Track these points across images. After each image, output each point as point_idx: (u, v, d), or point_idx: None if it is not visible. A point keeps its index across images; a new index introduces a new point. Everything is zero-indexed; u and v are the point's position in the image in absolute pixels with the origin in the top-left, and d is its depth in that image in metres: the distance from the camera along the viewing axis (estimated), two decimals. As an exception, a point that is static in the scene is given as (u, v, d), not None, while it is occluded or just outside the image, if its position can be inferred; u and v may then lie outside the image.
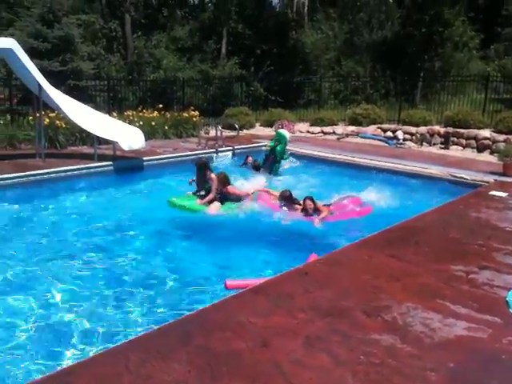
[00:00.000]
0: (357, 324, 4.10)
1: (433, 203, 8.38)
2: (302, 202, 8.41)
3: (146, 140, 11.52)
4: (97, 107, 12.35)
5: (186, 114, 15.76)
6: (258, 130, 17.67)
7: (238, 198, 8.86)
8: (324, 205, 8.48)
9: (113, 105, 15.63)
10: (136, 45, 21.48)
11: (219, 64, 22.58)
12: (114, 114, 13.53)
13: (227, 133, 14.83)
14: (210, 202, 8.72)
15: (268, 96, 21.98)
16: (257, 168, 11.69)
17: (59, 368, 3.82)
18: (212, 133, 14.74)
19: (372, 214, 8.39)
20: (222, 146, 13.57)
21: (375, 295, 4.63)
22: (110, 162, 11.19)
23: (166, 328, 4.18)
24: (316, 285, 4.84)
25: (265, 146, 13.90)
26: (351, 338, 3.89)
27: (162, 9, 25.67)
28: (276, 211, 8.35)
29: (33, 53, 12.06)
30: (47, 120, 12.03)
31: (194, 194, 9.05)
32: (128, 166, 11.35)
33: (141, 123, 13.75)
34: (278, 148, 11.67)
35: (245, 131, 16.65)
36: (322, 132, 17.16)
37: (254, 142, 14.82)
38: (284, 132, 12.26)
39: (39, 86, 10.54)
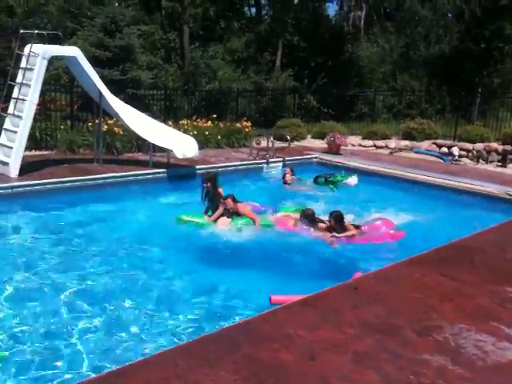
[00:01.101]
0: (407, 343, 4.03)
1: (488, 223, 8.11)
2: (327, 220, 7.89)
3: (199, 149, 11.71)
4: (153, 116, 12.64)
5: (238, 125, 15.94)
6: (309, 141, 17.64)
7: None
8: (353, 225, 7.96)
9: (168, 114, 15.96)
10: (193, 55, 21.91)
11: (273, 76, 22.72)
12: (170, 123, 13.82)
13: (278, 144, 14.87)
14: (220, 216, 8.40)
15: (320, 108, 21.93)
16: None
17: (109, 370, 3.92)
18: (263, 143, 14.81)
19: (419, 232, 8.05)
20: (272, 157, 13.62)
21: (427, 314, 4.53)
22: (164, 170, 11.44)
23: (213, 336, 4.23)
24: (365, 300, 4.78)
25: (315, 158, 13.94)
26: (401, 356, 3.82)
27: (220, 21, 26.11)
28: (296, 232, 7.87)
29: (95, 61, 12.46)
30: (106, 127, 12.42)
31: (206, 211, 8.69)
32: (181, 174, 11.57)
33: (195, 132, 13.99)
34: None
35: (296, 143, 16.67)
36: (375, 146, 16.97)
37: (305, 154, 14.80)
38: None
39: (100, 93, 10.91)
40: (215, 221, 8.35)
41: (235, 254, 7.26)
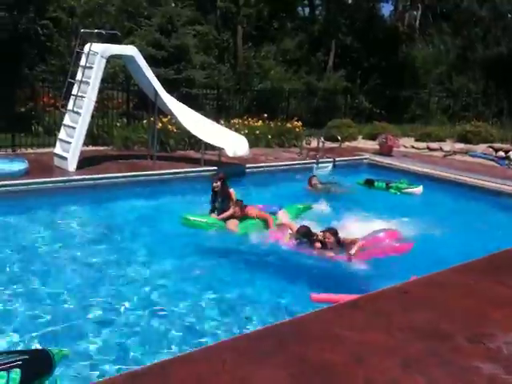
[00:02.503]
0: (458, 349, 3.95)
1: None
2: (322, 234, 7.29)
3: (249, 148, 11.81)
4: (206, 114, 12.84)
5: (289, 125, 15.97)
6: (360, 142, 17.47)
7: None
8: (352, 239, 7.32)
9: (220, 113, 16.15)
10: (246, 55, 22.09)
11: (325, 76, 22.61)
12: (222, 122, 14.00)
13: (329, 144, 14.80)
14: (228, 218, 8.21)
15: (373, 109, 21.67)
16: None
17: (156, 361, 4.02)
18: (313, 143, 14.78)
19: (471, 238, 7.64)
20: (322, 157, 13.58)
21: (479, 321, 4.43)
22: (215, 167, 11.59)
23: (262, 332, 4.27)
24: (415, 305, 4.72)
25: (366, 159, 13.79)
26: (451, 363, 3.75)
27: (273, 21, 26.20)
28: (290, 248, 7.35)
29: (151, 60, 12.75)
30: (160, 124, 12.70)
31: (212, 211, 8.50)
32: (231, 172, 11.66)
33: (246, 131, 14.11)
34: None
35: (347, 143, 16.54)
36: (428, 148, 16.62)
37: (356, 155, 14.68)
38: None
39: (155, 91, 11.17)
40: (224, 220, 8.13)
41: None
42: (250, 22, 23.98)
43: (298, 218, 8.48)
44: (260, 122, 15.60)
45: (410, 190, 11.25)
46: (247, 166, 12.09)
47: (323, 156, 13.64)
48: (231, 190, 8.59)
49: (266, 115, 16.12)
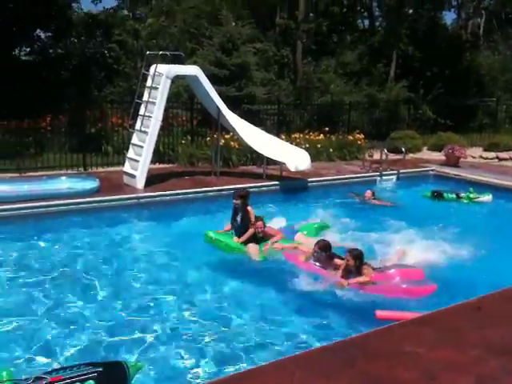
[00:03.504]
0: (536, 368, 3.79)
1: None
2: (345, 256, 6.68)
3: (311, 162, 11.81)
4: (267, 130, 12.97)
5: (350, 137, 15.85)
6: (425, 153, 17.08)
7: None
8: (373, 268, 6.66)
9: (281, 128, 16.27)
10: (305, 70, 22.16)
11: (387, 87, 22.31)
12: (282, 137, 14.09)
13: (392, 156, 14.57)
14: (248, 240, 7.77)
15: (437, 119, 21.14)
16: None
17: (231, 373, 4.10)
18: (376, 156, 14.59)
19: None
20: (386, 170, 13.38)
21: (558, 340, 4.24)
22: (277, 182, 11.68)
23: (329, 348, 4.27)
24: (489, 321, 4.57)
25: (432, 170, 13.47)
26: (529, 382, 3.61)
27: (332, 35, 26.19)
28: (307, 270, 6.78)
29: (213, 79, 13.04)
30: (223, 141, 12.94)
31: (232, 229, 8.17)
32: (293, 186, 11.74)
33: (307, 145, 14.13)
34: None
35: (411, 155, 16.21)
36: (497, 158, 16.06)
37: (421, 166, 14.37)
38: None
39: (218, 109, 11.42)
40: (244, 243, 7.73)
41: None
42: (309, 37, 24.07)
43: (316, 237, 7.78)
44: (321, 135, 15.58)
45: (480, 199, 11.09)
46: (309, 179, 12.10)
47: (387, 168, 13.45)
48: (249, 209, 8.11)
49: (327, 129, 16.09)
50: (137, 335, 5.24)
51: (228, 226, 8.23)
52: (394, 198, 11.50)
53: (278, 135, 13.74)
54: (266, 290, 6.42)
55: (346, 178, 12.79)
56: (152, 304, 6.01)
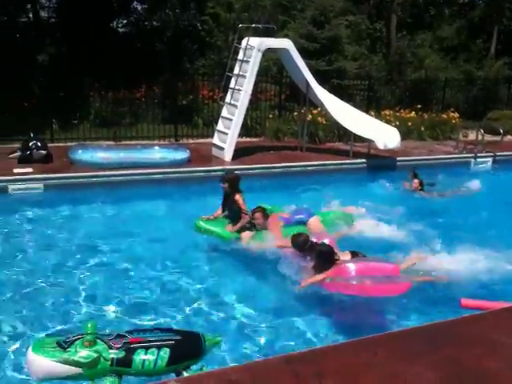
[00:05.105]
0: None
1: None
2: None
3: (401, 140, 11.48)
4: (356, 106, 12.73)
5: (444, 116, 15.22)
6: (526, 136, 16.08)
7: None
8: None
9: (371, 104, 15.90)
10: (399, 44, 21.40)
11: (485, 64, 21.09)
12: (372, 113, 13.77)
13: (488, 138, 13.83)
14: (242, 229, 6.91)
15: (540, 100, 19.76)
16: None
17: (309, 348, 4.16)
18: (471, 136, 13.92)
19: None
20: (481, 152, 12.74)
21: None
22: (364, 160, 11.48)
23: (413, 331, 4.22)
24: None
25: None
26: None
27: (429, 8, 25.00)
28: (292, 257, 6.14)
29: (303, 52, 12.90)
30: (310, 116, 12.85)
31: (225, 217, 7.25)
32: (381, 165, 11.49)
33: (397, 123, 13.73)
34: None
35: (509, 137, 15.31)
36: None
37: (520, 150, 13.57)
38: None
39: (307, 84, 11.33)
40: (238, 232, 6.88)
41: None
42: (404, 10, 23.14)
43: (333, 227, 7.00)
44: (412, 113, 15.09)
45: None
46: (398, 158, 11.79)
47: (482, 150, 12.79)
48: (237, 197, 6.98)
49: (419, 106, 15.56)
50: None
51: (219, 211, 7.26)
52: (482, 183, 10.15)
53: (367, 111, 13.45)
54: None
55: (438, 159, 12.34)
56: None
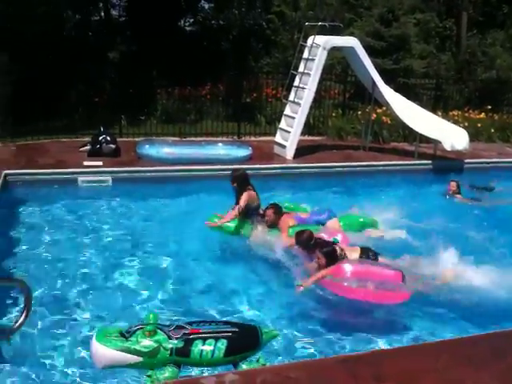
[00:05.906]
0: None
1: None
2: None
3: (469, 142, 11.11)
4: (422, 105, 12.41)
5: (516, 118, 14.63)
6: None
7: None
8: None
9: (438, 104, 15.46)
10: (469, 43, 20.71)
11: (561, 64, 20.06)
12: (439, 113, 13.38)
13: None
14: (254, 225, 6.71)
15: None
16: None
17: (368, 351, 4.13)
18: (545, 140, 13.31)
19: None
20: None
21: None
22: (430, 161, 11.19)
23: (477, 339, 4.10)
24: None
25: None
26: None
27: (502, 6, 24.00)
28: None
29: (369, 51, 12.71)
30: (374, 115, 12.65)
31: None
32: (447, 167, 11.17)
33: (465, 124, 13.30)
34: None
35: None
36: None
37: None
38: None
39: (373, 82, 11.16)
40: (241, 228, 6.69)
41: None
42: (476, 8, 22.35)
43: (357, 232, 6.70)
44: (482, 114, 14.59)
45: None
46: (466, 161, 11.42)
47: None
48: (244, 194, 6.74)
49: (489, 107, 15.01)
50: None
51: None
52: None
53: (434, 111, 13.08)
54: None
55: (508, 162, 11.85)
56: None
